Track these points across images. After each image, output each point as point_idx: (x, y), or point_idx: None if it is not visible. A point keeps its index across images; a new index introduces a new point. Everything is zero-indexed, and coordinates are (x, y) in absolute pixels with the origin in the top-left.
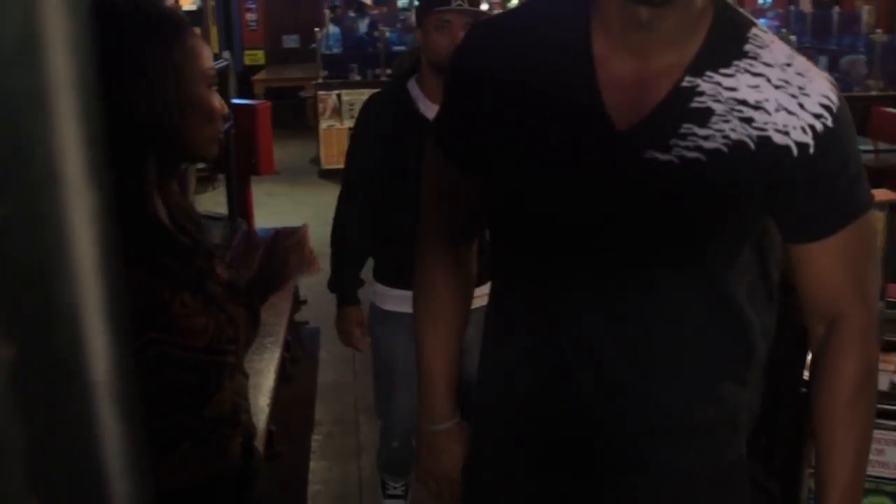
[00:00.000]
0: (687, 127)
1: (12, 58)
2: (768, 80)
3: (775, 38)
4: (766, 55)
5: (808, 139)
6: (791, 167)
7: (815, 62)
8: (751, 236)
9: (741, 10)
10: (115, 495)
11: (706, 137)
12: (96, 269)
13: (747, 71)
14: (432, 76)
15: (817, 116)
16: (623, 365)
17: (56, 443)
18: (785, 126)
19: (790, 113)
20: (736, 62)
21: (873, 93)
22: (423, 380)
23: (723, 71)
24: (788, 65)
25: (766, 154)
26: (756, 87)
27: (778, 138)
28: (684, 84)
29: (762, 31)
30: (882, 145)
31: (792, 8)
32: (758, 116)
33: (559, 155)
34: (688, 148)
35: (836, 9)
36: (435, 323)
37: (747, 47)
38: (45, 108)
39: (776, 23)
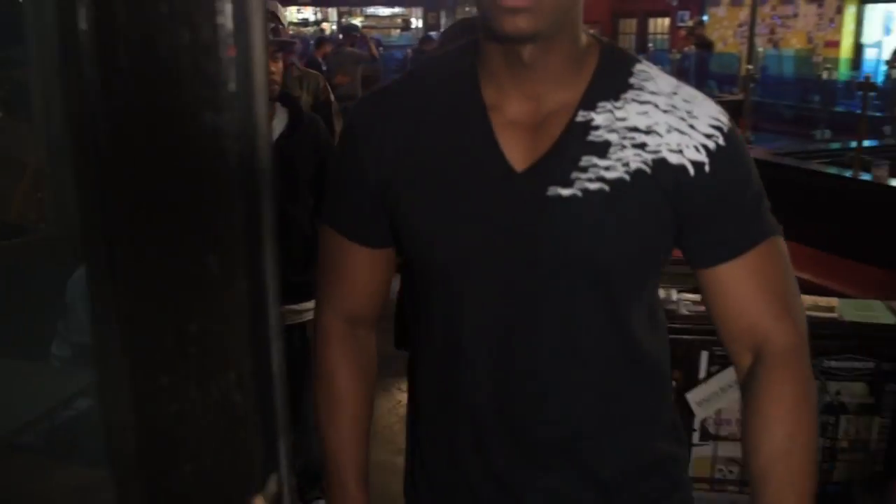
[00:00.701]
0: (587, 159)
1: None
2: (656, 106)
3: (661, 73)
4: (651, 86)
5: (702, 157)
6: (690, 187)
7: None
8: (656, 266)
9: (625, 49)
10: None
11: (607, 168)
12: None
13: (635, 100)
14: None
15: (708, 136)
16: (541, 414)
17: None
18: (678, 145)
19: (682, 133)
20: (623, 94)
21: None
22: (330, 473)
23: (613, 103)
24: (674, 93)
25: (663, 176)
26: (645, 113)
27: (673, 158)
28: (578, 119)
29: (647, 67)
30: None
31: None
32: (650, 140)
33: (462, 204)
34: (590, 179)
35: None
36: (337, 414)
37: (633, 80)
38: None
39: None
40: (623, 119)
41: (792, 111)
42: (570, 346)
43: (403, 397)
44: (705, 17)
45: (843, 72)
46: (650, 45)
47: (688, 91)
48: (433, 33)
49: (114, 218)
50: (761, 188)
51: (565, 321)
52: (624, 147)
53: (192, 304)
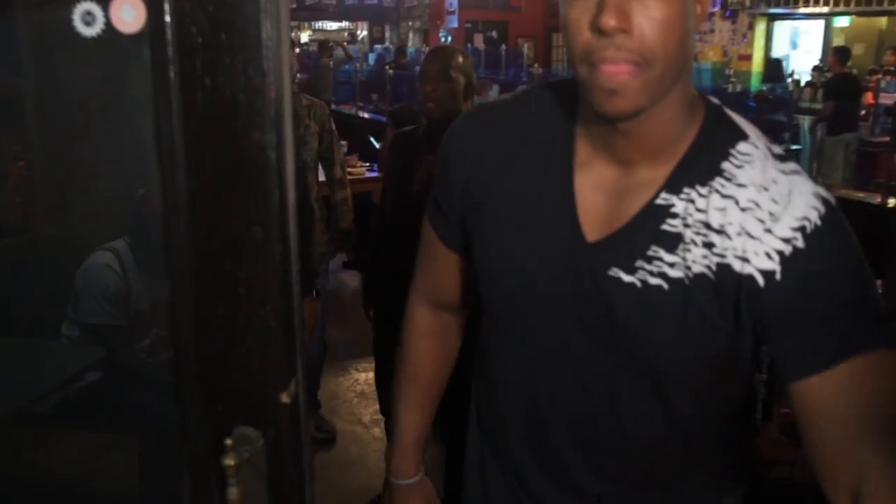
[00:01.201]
0: (654, 250)
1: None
2: (736, 203)
3: (768, 154)
4: (742, 175)
5: (773, 265)
6: (760, 297)
7: (489, 91)
8: (718, 368)
9: (734, 119)
10: None
11: (672, 265)
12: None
13: (719, 192)
14: None
15: (786, 241)
16: (581, 468)
17: None
18: (745, 252)
19: (752, 237)
20: (711, 181)
21: None
22: (395, 435)
23: (699, 189)
24: (765, 188)
25: (727, 284)
26: (723, 209)
27: (738, 266)
28: (659, 201)
29: (752, 146)
30: None
31: (469, 45)
32: (719, 241)
33: (530, 259)
34: (651, 273)
35: (503, 46)
36: (412, 384)
37: (725, 165)
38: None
39: None
40: (702, 211)
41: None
42: (614, 421)
43: (360, 376)
44: None
45: (755, 84)
46: None
47: (785, 185)
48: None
49: (191, 201)
50: (867, 291)
51: (612, 398)
52: (694, 244)
53: (242, 259)
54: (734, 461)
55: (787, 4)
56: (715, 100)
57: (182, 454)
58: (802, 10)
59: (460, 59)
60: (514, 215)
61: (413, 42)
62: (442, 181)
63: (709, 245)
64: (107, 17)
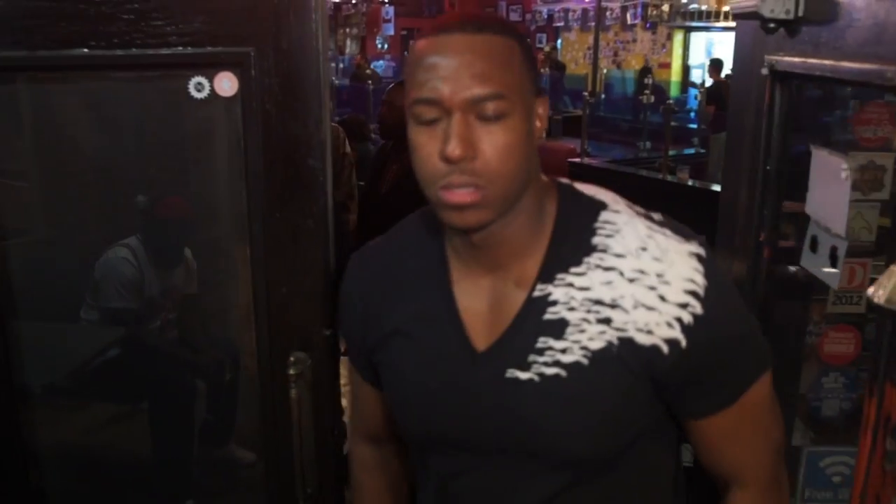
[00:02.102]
0: (543, 340)
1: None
2: (621, 274)
3: (631, 217)
4: (615, 244)
5: (676, 334)
6: (666, 365)
7: None
8: (635, 438)
9: (587, 193)
10: None
11: (564, 350)
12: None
13: (599, 266)
14: None
15: (683, 306)
16: None
17: None
18: (647, 324)
19: (650, 308)
20: (586, 258)
21: None
22: None
23: (574, 270)
24: (643, 249)
25: (631, 357)
26: (609, 283)
27: (641, 338)
28: (536, 293)
29: (613, 213)
30: None
31: (406, 53)
32: (616, 316)
33: (431, 381)
34: (546, 364)
35: None
36: None
37: (595, 239)
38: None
39: (393, 64)
40: (585, 289)
41: (627, 124)
42: None
43: None
44: (559, 42)
45: (674, 92)
46: None
47: (659, 244)
48: None
49: (267, 204)
50: (751, 329)
51: (538, 499)
52: (588, 323)
53: (300, 241)
54: None
55: (702, 19)
56: (564, 180)
57: (259, 370)
58: (716, 24)
59: None
60: (408, 343)
61: (350, 49)
62: (343, 325)
63: (605, 321)
64: (211, 86)
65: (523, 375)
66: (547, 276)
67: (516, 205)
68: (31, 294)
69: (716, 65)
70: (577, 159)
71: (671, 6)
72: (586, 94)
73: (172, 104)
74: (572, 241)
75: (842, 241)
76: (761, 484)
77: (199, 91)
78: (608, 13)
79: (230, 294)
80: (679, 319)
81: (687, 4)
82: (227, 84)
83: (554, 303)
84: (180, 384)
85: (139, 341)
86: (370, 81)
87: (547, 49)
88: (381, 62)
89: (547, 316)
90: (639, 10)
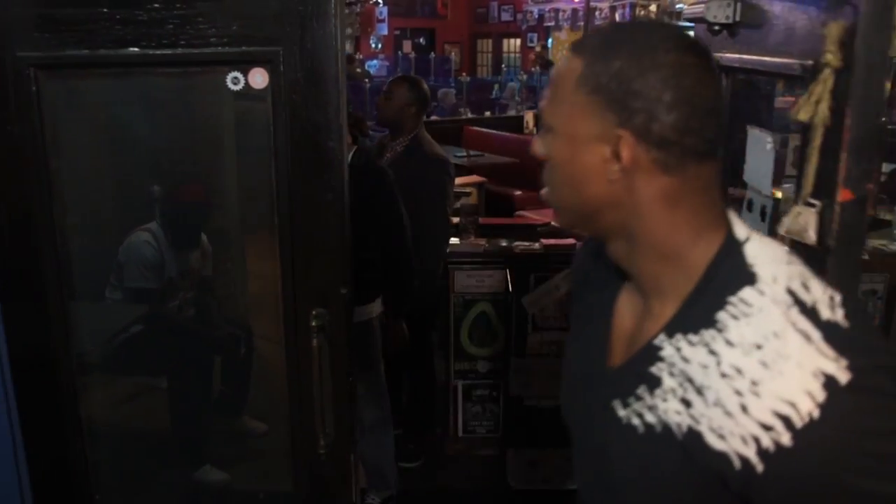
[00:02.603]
0: (641, 390)
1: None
2: (718, 364)
3: (779, 305)
4: (734, 330)
5: (749, 454)
6: (738, 481)
7: None
8: None
9: (750, 256)
10: None
11: (650, 408)
12: None
13: (706, 345)
14: None
15: (765, 427)
16: None
17: None
18: (720, 428)
19: (727, 413)
20: (704, 331)
21: (463, 117)
22: None
23: (689, 338)
24: (758, 347)
25: (696, 451)
26: (705, 367)
27: (712, 439)
28: (655, 341)
29: (757, 293)
30: (472, 152)
31: (400, 53)
32: (697, 403)
33: (576, 369)
34: (635, 412)
35: (432, 54)
36: None
37: (720, 315)
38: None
39: (387, 63)
40: (686, 361)
41: None
42: None
43: None
44: (549, 41)
45: None
46: (503, 65)
47: (784, 347)
48: None
49: (294, 180)
50: (866, 498)
51: None
52: (673, 394)
53: (321, 212)
54: None
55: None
56: (742, 231)
57: (285, 323)
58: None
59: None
60: (577, 329)
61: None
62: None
63: (686, 402)
64: (246, 80)
65: (621, 412)
66: (670, 329)
67: (622, 236)
68: (87, 272)
69: None
70: None
71: (658, 6)
72: None
73: (213, 96)
74: (703, 306)
75: (769, 200)
76: None
77: (235, 84)
78: (597, 13)
79: (261, 258)
80: (756, 439)
81: (673, 4)
82: (259, 78)
83: (661, 359)
84: (198, 358)
85: (160, 318)
86: (367, 80)
87: (538, 49)
88: (374, 61)
89: (652, 368)
90: (627, 10)
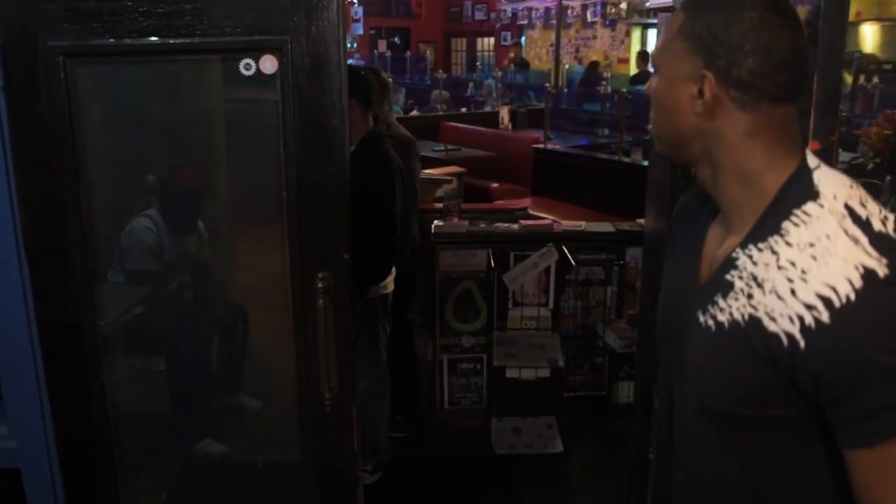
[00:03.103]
0: (717, 296)
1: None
2: (778, 260)
3: (834, 215)
4: (794, 234)
5: (794, 331)
6: (785, 357)
7: (399, 92)
8: (764, 415)
9: (817, 178)
10: None
11: (721, 310)
12: None
13: (771, 248)
14: None
15: (808, 307)
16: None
17: None
18: (773, 311)
19: (779, 298)
20: (770, 238)
21: (441, 112)
22: None
23: (759, 245)
24: (811, 245)
25: (756, 336)
26: (767, 265)
27: (767, 322)
28: (732, 255)
29: (817, 206)
30: (450, 146)
31: (375, 52)
32: (757, 294)
33: (669, 298)
34: (711, 316)
35: (408, 52)
36: None
37: (785, 224)
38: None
39: (362, 62)
40: (754, 264)
41: (588, 115)
42: (690, 451)
43: None
44: (523, 39)
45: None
46: (478, 63)
47: (833, 246)
48: None
49: (299, 155)
50: (893, 377)
51: (687, 427)
52: (742, 293)
53: (324, 183)
54: None
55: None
56: (813, 161)
57: (293, 286)
58: None
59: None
60: (671, 263)
61: None
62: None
63: (749, 296)
64: (257, 66)
65: (700, 318)
66: (744, 243)
67: (709, 162)
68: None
69: (641, 56)
70: (541, 145)
71: (629, 4)
72: (548, 84)
73: (227, 80)
74: (772, 219)
75: None
76: None
77: (247, 70)
78: (569, 11)
79: (271, 226)
80: (801, 318)
81: (643, 2)
82: (269, 64)
83: (735, 267)
84: (196, 337)
85: (160, 299)
86: None
87: (512, 46)
88: (350, 60)
89: (727, 276)
90: (598, 8)
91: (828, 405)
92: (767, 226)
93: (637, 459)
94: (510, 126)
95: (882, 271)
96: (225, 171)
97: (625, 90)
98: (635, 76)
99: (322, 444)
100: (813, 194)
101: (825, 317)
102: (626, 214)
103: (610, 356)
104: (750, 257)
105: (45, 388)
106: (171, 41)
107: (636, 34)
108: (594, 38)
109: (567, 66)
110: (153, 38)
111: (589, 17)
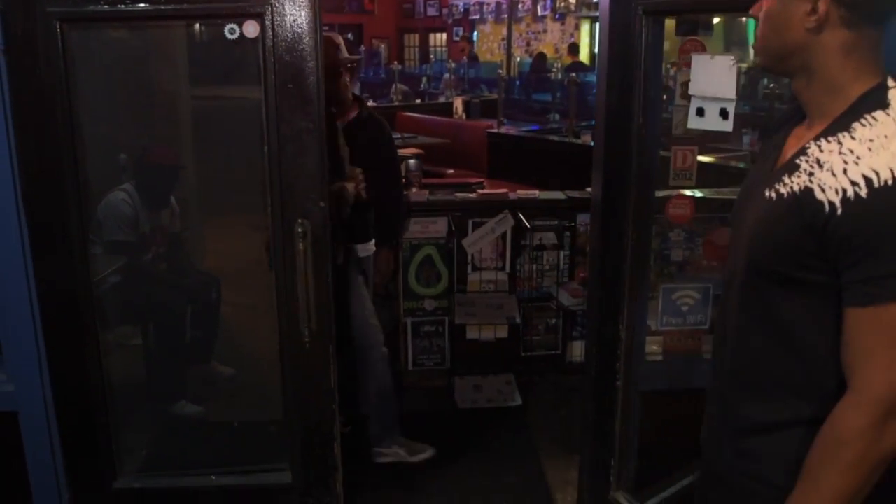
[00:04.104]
0: (784, 175)
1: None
2: (840, 147)
3: (894, 121)
4: (860, 132)
5: (836, 200)
6: (822, 222)
7: (356, 86)
8: (795, 278)
9: (890, 97)
10: None
11: (785, 184)
12: None
13: (838, 140)
14: None
15: (854, 183)
16: (721, 373)
17: None
18: (824, 183)
19: (833, 174)
20: (840, 133)
21: (396, 103)
22: None
23: (829, 138)
24: (871, 140)
25: (806, 206)
26: (831, 151)
27: (818, 192)
28: (805, 146)
29: (883, 111)
30: (406, 134)
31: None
32: (816, 171)
33: (745, 189)
34: (775, 190)
35: (362, 47)
36: None
37: (854, 124)
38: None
39: None
40: (821, 151)
41: (538, 105)
42: (733, 311)
43: None
44: (475, 35)
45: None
46: (431, 56)
47: (885, 143)
48: None
49: (280, 111)
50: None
51: (736, 293)
52: (805, 172)
53: (302, 137)
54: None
55: None
56: (892, 82)
57: (274, 231)
58: None
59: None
60: (758, 158)
61: None
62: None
63: (811, 175)
64: (241, 30)
65: (766, 193)
66: (818, 137)
67: (806, 72)
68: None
69: (572, 49)
70: (495, 129)
71: None
72: (500, 71)
73: (214, 44)
74: (846, 120)
75: (731, 102)
76: (864, 397)
77: (231, 34)
78: (520, 5)
79: (254, 176)
80: (844, 191)
81: None
82: (251, 29)
83: (805, 154)
84: (171, 304)
85: (136, 269)
86: None
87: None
88: None
89: (796, 160)
90: (548, 2)
91: (843, 269)
92: (840, 125)
93: (589, 410)
94: (464, 116)
95: None
96: (212, 129)
97: (574, 75)
98: (570, 66)
99: (301, 380)
100: (884, 105)
101: (864, 192)
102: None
103: (564, 316)
104: (819, 147)
105: (42, 337)
106: (162, 7)
107: (585, 27)
108: (545, 31)
109: (518, 59)
110: (144, 5)
111: (539, 11)
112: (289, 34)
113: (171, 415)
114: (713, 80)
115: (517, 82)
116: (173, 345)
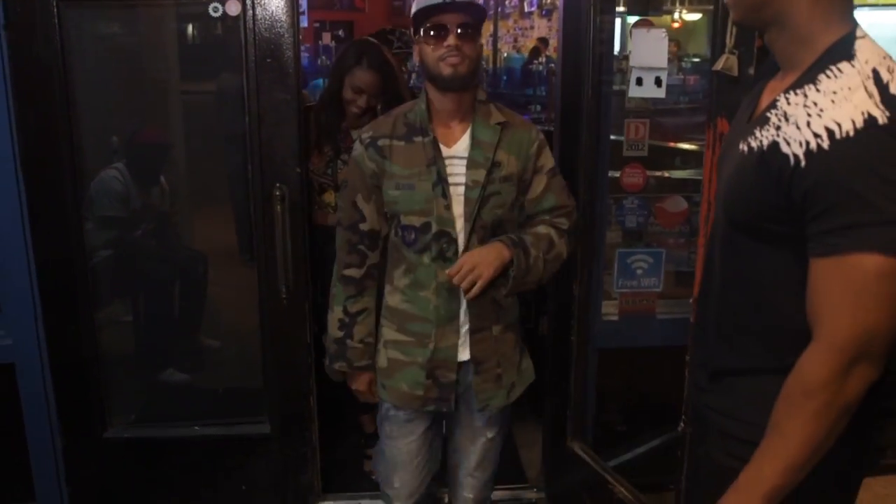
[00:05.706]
0: (755, 129)
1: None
2: (805, 100)
3: (861, 73)
4: (825, 83)
5: (800, 153)
6: (788, 174)
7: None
8: (764, 230)
9: (858, 45)
10: None
11: (755, 138)
12: None
13: (804, 93)
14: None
15: (816, 135)
16: (706, 324)
17: None
18: (789, 136)
19: (797, 127)
20: (806, 85)
21: None
22: None
23: (797, 91)
24: (834, 92)
25: (772, 159)
26: (797, 104)
27: (783, 146)
28: (775, 98)
29: (851, 66)
30: None
31: (320, 42)
32: (783, 125)
33: (725, 143)
34: (747, 143)
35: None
36: None
37: (820, 76)
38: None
39: (307, 54)
40: (788, 104)
41: (524, 98)
42: (716, 264)
43: None
44: None
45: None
46: None
47: (852, 95)
48: None
49: (260, 86)
50: (875, 204)
51: (718, 245)
52: (773, 125)
53: (280, 110)
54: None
55: None
56: (861, 32)
57: (253, 195)
58: None
59: None
60: (738, 113)
61: None
62: None
63: (778, 128)
64: (224, 9)
65: (740, 146)
66: (787, 91)
67: (777, 24)
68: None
69: (544, 41)
70: None
71: None
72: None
73: (200, 21)
74: (812, 72)
75: (664, 70)
76: (827, 346)
77: (215, 12)
78: (507, 2)
79: (236, 142)
80: (808, 143)
81: None
82: (233, 7)
83: (775, 107)
84: (160, 277)
85: (127, 243)
86: None
87: None
88: None
89: (766, 114)
90: None
91: (808, 221)
92: (807, 77)
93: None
94: None
95: (882, 120)
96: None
97: (552, 66)
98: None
99: (279, 335)
100: (849, 56)
101: (826, 144)
102: None
103: (536, 292)
104: (787, 100)
105: (38, 294)
106: None
107: None
108: (532, 27)
109: (506, 55)
110: None
111: (526, 8)
112: (268, 12)
113: (160, 381)
114: (649, 51)
115: (504, 77)
116: (162, 314)
